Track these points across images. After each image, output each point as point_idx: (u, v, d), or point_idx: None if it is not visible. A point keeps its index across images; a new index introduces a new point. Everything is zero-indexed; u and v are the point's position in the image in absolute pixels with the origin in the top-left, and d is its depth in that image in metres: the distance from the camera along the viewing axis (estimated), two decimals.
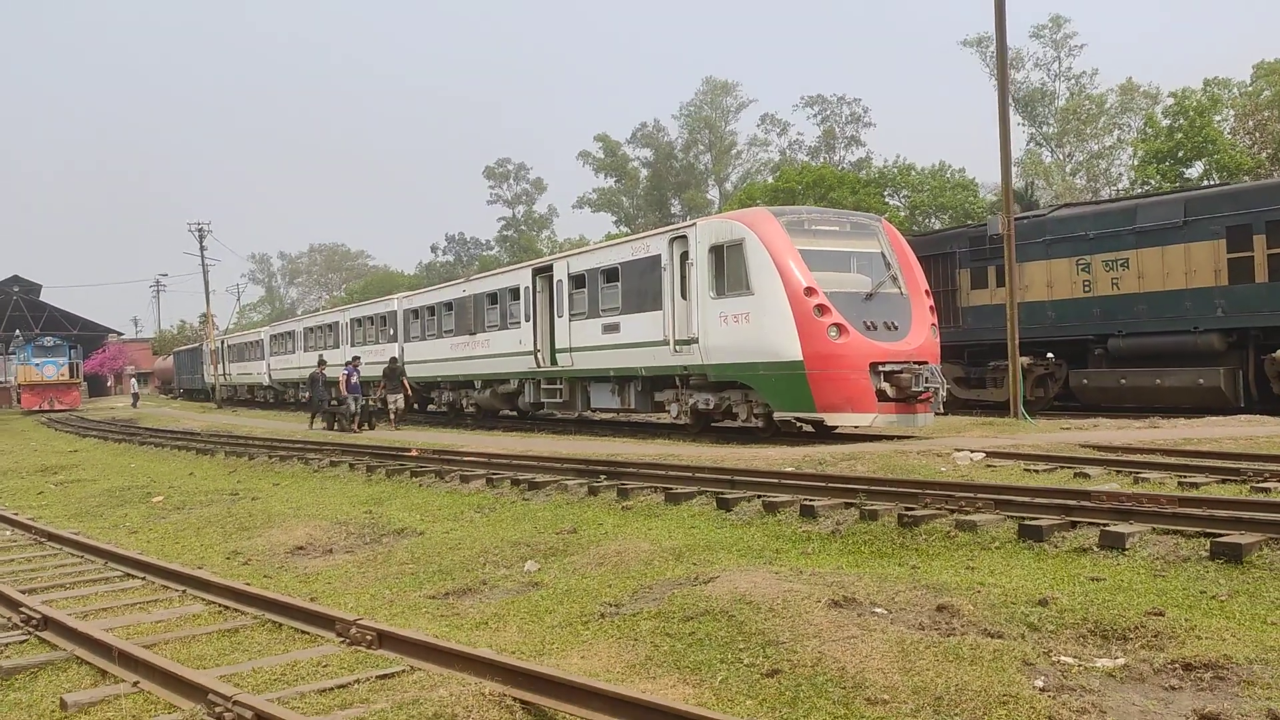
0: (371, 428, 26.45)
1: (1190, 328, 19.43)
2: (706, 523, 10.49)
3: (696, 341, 17.72)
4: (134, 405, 57.24)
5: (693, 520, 10.67)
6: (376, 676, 5.70)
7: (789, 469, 12.54)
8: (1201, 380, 19.16)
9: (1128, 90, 55.82)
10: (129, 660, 6.07)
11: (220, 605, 7.86)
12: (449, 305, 28.23)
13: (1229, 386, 18.91)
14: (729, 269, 17.13)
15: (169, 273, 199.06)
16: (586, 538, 10.13)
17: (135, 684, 5.81)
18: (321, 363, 29.88)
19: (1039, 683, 5.23)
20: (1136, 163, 48.27)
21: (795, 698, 5.31)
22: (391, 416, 26.53)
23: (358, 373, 27.19)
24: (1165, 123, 45.73)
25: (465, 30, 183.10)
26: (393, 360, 28.16)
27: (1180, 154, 43.52)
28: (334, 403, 27.55)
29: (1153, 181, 42.91)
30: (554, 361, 22.41)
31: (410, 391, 27.85)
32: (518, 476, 13.93)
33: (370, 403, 27.47)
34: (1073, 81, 60.38)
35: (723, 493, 11.26)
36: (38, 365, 59.85)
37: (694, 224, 18.59)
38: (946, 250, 24.49)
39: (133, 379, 69.68)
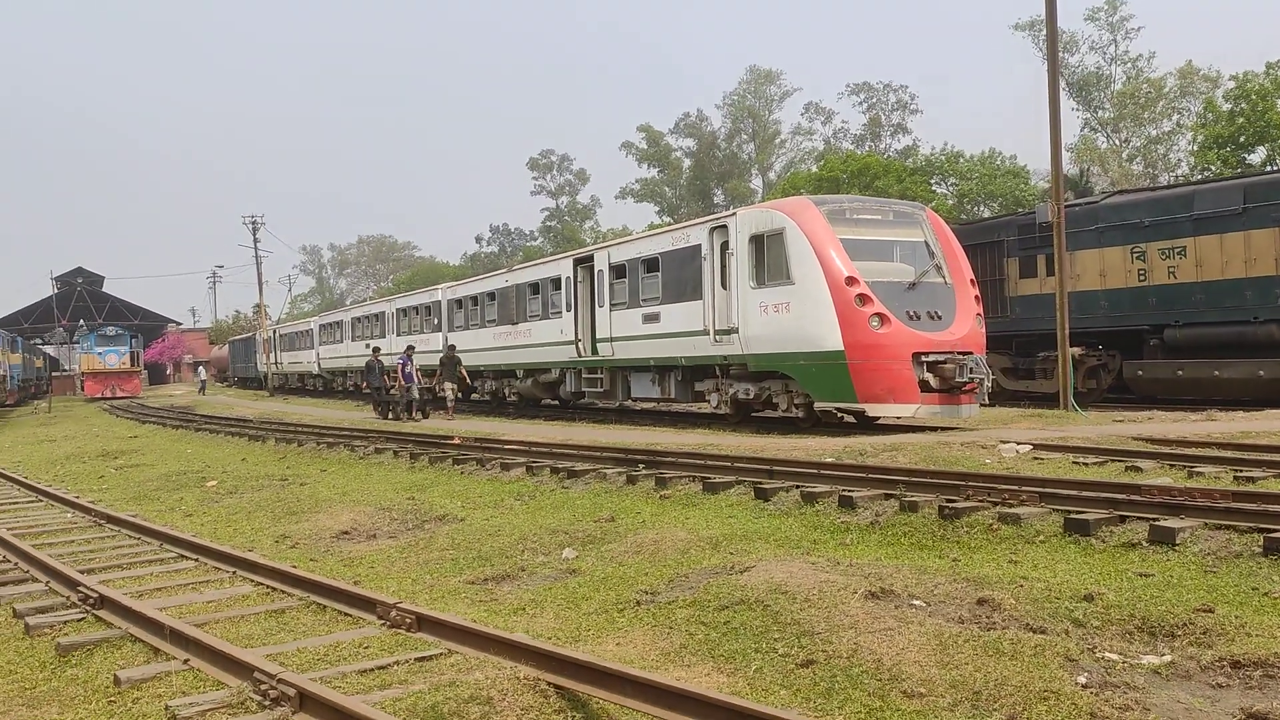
0: (425, 416, 26.22)
1: (1250, 318, 18.96)
2: (744, 512, 10.48)
3: (736, 331, 17.66)
4: (200, 392, 58.28)
5: (730, 510, 10.65)
6: (415, 659, 5.78)
7: (828, 459, 12.47)
8: (1262, 372, 18.70)
9: (1187, 74, 54.53)
10: (180, 638, 6.22)
11: (268, 587, 8.02)
12: (492, 295, 28.40)
13: None
14: (769, 258, 17.04)
15: (224, 264, 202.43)
16: (624, 526, 10.16)
17: (185, 661, 5.96)
18: (376, 351, 29.58)
19: (1081, 679, 5.15)
20: (1196, 148, 47.19)
21: (830, 688, 5.29)
22: (449, 405, 26.24)
23: (412, 361, 26.87)
24: (1226, 107, 44.62)
25: (510, 22, 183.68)
26: (450, 348, 27.77)
27: (1241, 139, 42.46)
28: (389, 391, 27.47)
29: (1213, 167, 41.93)
30: (595, 351, 22.46)
31: (467, 380, 27.67)
32: (557, 465, 14.00)
33: (424, 392, 27.27)
34: (1129, 65, 59.22)
35: (761, 483, 11.23)
36: (100, 354, 61.12)
37: (734, 213, 18.51)
38: (994, 239, 24.13)
39: (199, 367, 70.96)
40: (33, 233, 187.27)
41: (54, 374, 75.76)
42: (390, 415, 27.01)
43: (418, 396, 26.48)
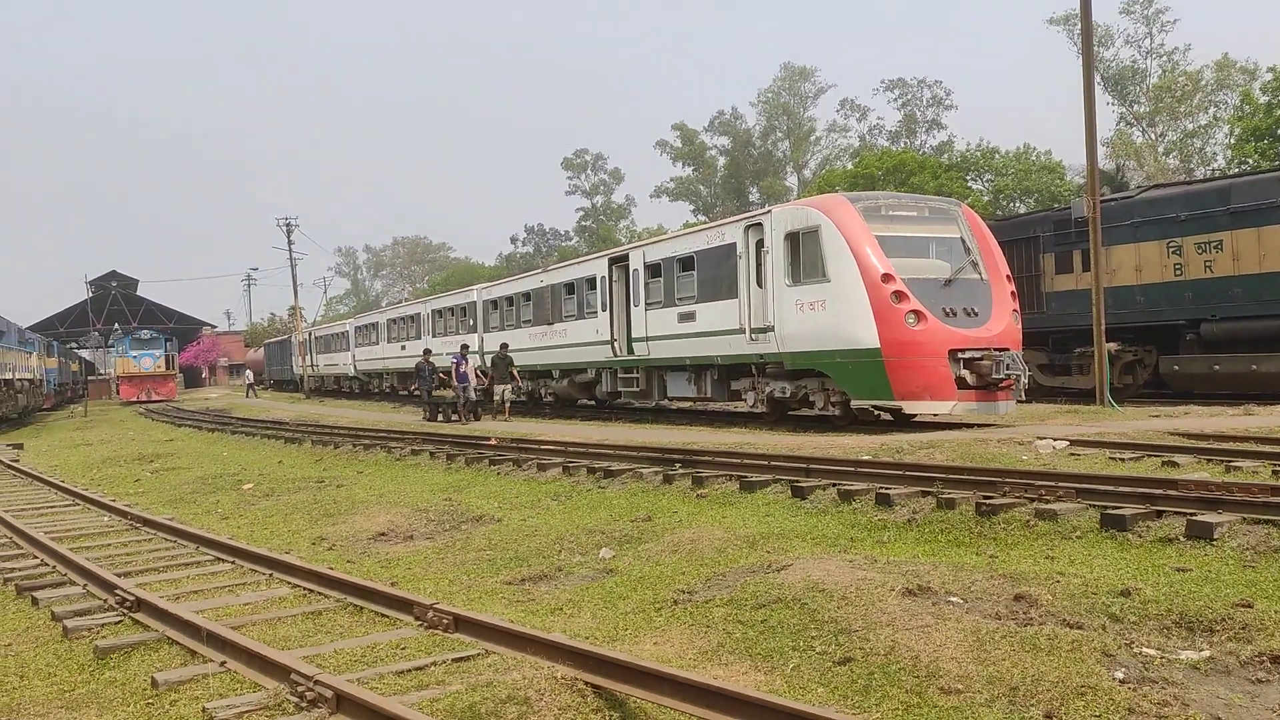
0: (477, 419, 25.34)
1: None
2: (781, 511, 10.45)
3: (772, 329, 17.62)
4: (247, 395, 58.53)
5: (767, 508, 10.63)
6: (452, 659, 5.82)
7: (865, 457, 12.41)
8: None
9: (1224, 66, 53.67)
10: (217, 641, 6.29)
11: (305, 589, 8.09)
12: (527, 296, 28.50)
13: None
14: (805, 256, 16.99)
15: (259, 267, 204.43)
16: (661, 525, 10.17)
17: (222, 664, 6.02)
18: (427, 353, 28.75)
19: (1119, 674, 5.11)
20: (1233, 141, 46.45)
21: (868, 686, 5.28)
22: (504, 407, 25.45)
23: (466, 361, 26.00)
24: (1264, 99, 43.85)
25: (544, 21, 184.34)
26: (502, 347, 26.83)
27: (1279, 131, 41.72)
28: (439, 392, 26.84)
29: (1250, 160, 41.25)
30: (630, 350, 22.49)
31: (519, 381, 26.72)
32: (594, 465, 14.03)
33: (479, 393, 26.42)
34: (1165, 58, 58.37)
35: (797, 481, 11.20)
36: (135, 357, 61.88)
37: (769, 211, 18.46)
38: (1029, 235, 23.90)
39: (248, 371, 71.53)
40: (67, 236, 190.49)
41: (89, 378, 76.85)
42: (441, 418, 26.26)
43: (473, 398, 25.61)
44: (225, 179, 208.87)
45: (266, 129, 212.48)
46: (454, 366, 25.76)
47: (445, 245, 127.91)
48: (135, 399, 59.57)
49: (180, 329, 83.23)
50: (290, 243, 59.37)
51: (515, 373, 26.13)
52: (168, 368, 63.34)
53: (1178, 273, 20.55)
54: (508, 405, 25.50)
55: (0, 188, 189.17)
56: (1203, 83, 54.71)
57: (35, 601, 8.24)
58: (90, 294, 77.60)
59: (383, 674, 5.66)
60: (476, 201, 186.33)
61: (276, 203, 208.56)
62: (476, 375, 26.64)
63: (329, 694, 5.01)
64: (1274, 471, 10.01)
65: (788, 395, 18.18)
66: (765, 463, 12.45)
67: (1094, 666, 5.15)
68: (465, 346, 27.32)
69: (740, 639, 6.22)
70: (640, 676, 5.01)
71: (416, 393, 29.74)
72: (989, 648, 5.50)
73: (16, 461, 22.04)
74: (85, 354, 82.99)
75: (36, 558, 10.07)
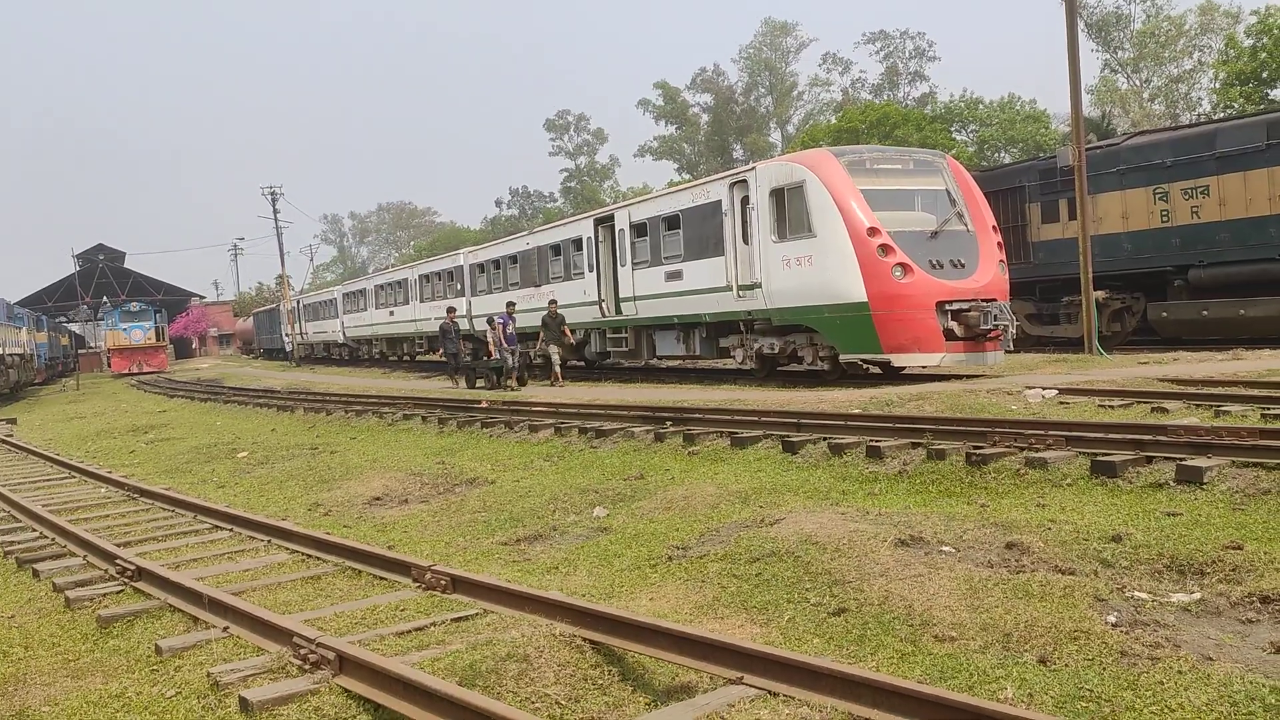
0: (523, 384, 22.98)
1: (1275, 255, 18.71)
2: (772, 466, 10.52)
3: (760, 286, 17.62)
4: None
5: (759, 464, 10.70)
6: (451, 619, 5.88)
7: (855, 411, 12.48)
8: None
9: (1207, 10, 53.43)
10: (219, 607, 6.33)
11: (303, 554, 8.15)
12: (513, 258, 28.41)
13: None
14: (790, 212, 16.95)
15: (246, 236, 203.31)
16: (654, 483, 10.24)
17: (225, 629, 6.07)
18: (451, 312, 26.76)
19: (1111, 618, 5.19)
20: (1218, 86, 46.33)
21: (862, 635, 5.35)
22: (556, 371, 22.81)
23: (513, 321, 23.25)
24: (1248, 43, 43.70)
25: None
26: (551, 304, 23.58)
27: (1265, 75, 41.64)
28: (483, 357, 24.04)
29: (1236, 105, 41.19)
30: (618, 310, 22.47)
31: (571, 340, 23.80)
32: (585, 425, 14.08)
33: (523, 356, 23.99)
34: (1149, 3, 57.99)
35: (788, 436, 11.26)
36: (125, 330, 61.55)
37: (754, 168, 18.39)
38: (1015, 184, 23.87)
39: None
40: (52, 210, 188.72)
41: (80, 351, 76.49)
42: (483, 384, 23.59)
43: (513, 363, 22.95)
44: (209, 148, 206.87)
45: (249, 97, 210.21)
46: (499, 326, 22.96)
47: (430, 210, 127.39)
48: (127, 371, 59.31)
49: (169, 300, 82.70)
50: (276, 211, 58.88)
51: (568, 331, 23.34)
52: (158, 339, 63.00)
53: (1164, 219, 20.58)
54: (559, 369, 22.96)
55: None
56: (1186, 27, 54.48)
57: (36, 574, 8.27)
58: (78, 267, 77.05)
59: (384, 635, 5.72)
60: (461, 166, 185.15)
61: (262, 171, 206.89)
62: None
63: (331, 656, 5.06)
64: (1263, 415, 10.10)
65: (776, 351, 18.22)
66: (755, 419, 12.50)
67: (1086, 611, 5.23)
68: (512, 304, 24.40)
69: (735, 593, 6.29)
70: (638, 631, 5.07)
71: (440, 356, 27.75)
72: (982, 596, 5.58)
73: (10, 436, 22.02)
74: (75, 328, 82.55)
75: (35, 530, 10.10)
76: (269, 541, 8.78)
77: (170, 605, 6.76)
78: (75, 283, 75.46)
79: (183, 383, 42.08)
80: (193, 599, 6.64)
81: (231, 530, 9.47)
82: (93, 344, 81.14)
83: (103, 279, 79.21)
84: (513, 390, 21.84)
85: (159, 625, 6.48)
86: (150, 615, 6.68)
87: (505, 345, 22.86)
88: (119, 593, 7.32)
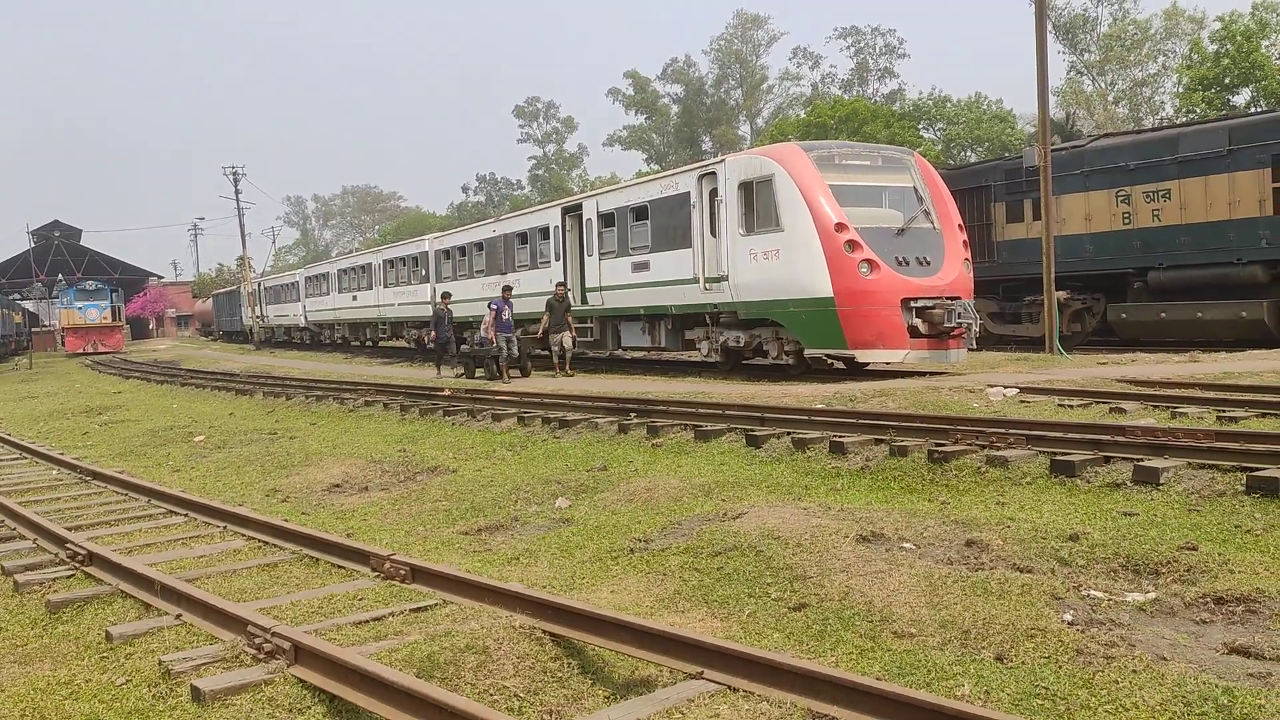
0: (525, 374, 21.61)
1: (1233, 259, 19.03)
2: (736, 459, 10.53)
3: (726, 279, 17.63)
4: None
5: (722, 457, 10.70)
6: (410, 610, 5.81)
7: (819, 405, 12.52)
8: (1244, 313, 18.82)
9: (1172, 15, 54.18)
10: (171, 594, 6.22)
11: (260, 541, 8.03)
12: (480, 245, 28.23)
13: (1273, 319, 18.56)
14: (759, 205, 16.97)
15: (206, 216, 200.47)
16: (617, 475, 10.20)
17: (178, 616, 5.96)
18: (445, 296, 25.54)
19: (1068, 616, 5.23)
20: (1181, 90, 46.98)
21: (823, 631, 5.35)
22: (560, 360, 21.65)
23: (509, 306, 21.82)
24: (1211, 48, 44.39)
25: None
26: (559, 286, 22.18)
27: (1227, 80, 42.31)
28: (476, 344, 22.59)
29: (1198, 109, 41.81)
30: (584, 300, 22.39)
31: (573, 331, 22.13)
32: (549, 415, 14.01)
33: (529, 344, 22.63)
34: (1115, 6, 58.70)
35: (752, 430, 11.28)
36: (80, 309, 60.55)
37: (723, 160, 18.39)
38: (981, 184, 24.08)
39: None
40: (6, 186, 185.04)
41: (34, 330, 75.14)
42: (481, 373, 22.02)
43: (510, 350, 21.32)
44: (170, 126, 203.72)
45: (212, 75, 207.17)
46: (494, 312, 21.44)
47: (396, 194, 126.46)
48: (81, 351, 58.35)
49: (126, 280, 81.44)
50: (238, 191, 58.30)
51: (572, 320, 22.04)
52: (114, 319, 62.04)
53: (1126, 221, 20.84)
54: (568, 357, 21.80)
55: None
56: (1152, 32, 55.20)
57: None
58: (33, 244, 75.64)
59: (341, 625, 5.64)
60: (427, 150, 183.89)
61: (223, 150, 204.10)
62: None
63: (287, 645, 4.98)
64: (1218, 418, 10.24)
65: (741, 344, 18.24)
66: (720, 412, 12.51)
67: (1043, 609, 5.27)
68: (508, 288, 22.87)
69: (696, 586, 6.27)
70: (599, 624, 5.04)
71: (429, 344, 26.58)
72: (941, 592, 5.61)
73: None
74: (29, 305, 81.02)
75: None
76: (225, 528, 8.65)
77: (122, 591, 6.64)
78: (30, 259, 73.99)
79: (139, 364, 41.44)
80: (145, 585, 6.52)
81: (186, 515, 9.32)
82: (47, 322, 79.74)
83: (58, 256, 77.82)
84: (509, 381, 20.38)
85: (110, 611, 6.36)
86: (101, 601, 6.56)
87: (501, 332, 21.31)
88: (69, 577, 7.18)
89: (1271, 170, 18.55)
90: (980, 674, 4.58)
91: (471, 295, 28.00)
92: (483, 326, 21.93)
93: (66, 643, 5.90)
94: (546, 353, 22.64)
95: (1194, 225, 19.69)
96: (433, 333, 26.06)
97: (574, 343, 22.02)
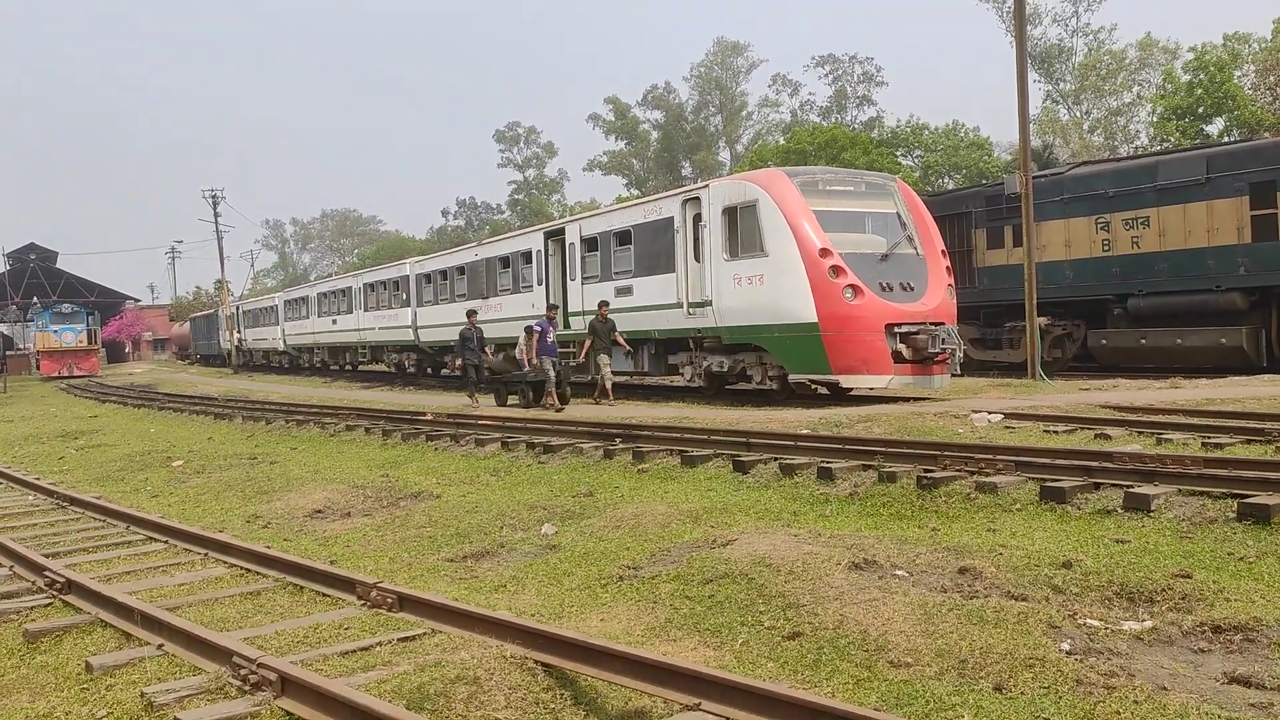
0: (565, 402, 19.34)
1: (1212, 286, 19.20)
2: (723, 485, 10.46)
3: (710, 304, 17.62)
4: None
5: (709, 483, 10.64)
6: (398, 639, 5.70)
7: (805, 431, 12.49)
8: (1224, 340, 18.96)
9: (1147, 46, 54.95)
10: (152, 623, 6.09)
11: (242, 568, 7.89)
12: (461, 269, 28.16)
13: (1252, 346, 18.72)
14: (743, 230, 17.00)
15: (184, 239, 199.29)
16: (603, 501, 10.12)
17: (159, 646, 5.83)
18: (472, 315, 22.79)
19: (1065, 645, 5.19)
20: (1155, 119, 47.62)
21: (817, 660, 5.29)
22: (607, 386, 19.61)
23: (554, 327, 20.17)
24: (1185, 78, 45.09)
25: None
26: (602, 305, 19.89)
27: (1200, 110, 42.93)
28: (508, 370, 21.30)
29: (1172, 138, 42.39)
30: (567, 325, 22.34)
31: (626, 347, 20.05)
32: (533, 440, 13.92)
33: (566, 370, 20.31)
34: (1091, 37, 59.51)
35: (739, 455, 11.22)
36: (56, 332, 59.98)
37: (707, 185, 18.43)
38: (962, 210, 24.24)
39: None
40: None
41: (8, 353, 74.24)
42: (520, 401, 20.42)
43: (554, 375, 19.21)
44: (148, 149, 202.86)
45: (191, 96, 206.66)
46: (537, 334, 19.62)
47: (375, 218, 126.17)
48: (56, 374, 57.71)
49: (103, 303, 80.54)
50: (216, 215, 57.90)
51: (620, 338, 19.75)
52: (90, 342, 61.48)
53: (1106, 248, 21.01)
54: (607, 385, 19.68)
55: None
56: (1126, 61, 55.95)
57: None
58: (7, 266, 74.87)
59: (327, 655, 5.53)
60: (407, 174, 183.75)
61: (202, 174, 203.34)
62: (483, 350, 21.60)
63: (273, 677, 4.87)
64: (1203, 444, 10.27)
65: (725, 369, 18.22)
66: (705, 437, 12.45)
67: (1040, 638, 5.22)
68: (554, 307, 21.20)
69: (688, 614, 6.19)
70: (592, 654, 4.95)
71: (455, 370, 24.68)
72: (936, 621, 5.55)
73: None
74: (3, 329, 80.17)
75: None
76: (206, 555, 8.50)
77: (101, 620, 6.49)
78: (5, 282, 73.19)
79: (115, 387, 40.98)
80: (125, 614, 6.38)
81: (166, 542, 9.16)
82: (21, 346, 78.90)
83: (34, 279, 76.96)
84: (555, 410, 18.52)
85: (89, 641, 6.22)
86: (80, 631, 6.41)
87: (545, 355, 19.42)
88: (47, 606, 7.02)
89: (1249, 198, 18.76)
90: (980, 704, 4.52)
91: (452, 320, 27.85)
92: (518, 350, 20.51)
93: (45, 674, 5.75)
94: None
95: (1173, 252, 19.87)
96: (459, 360, 23.37)
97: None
